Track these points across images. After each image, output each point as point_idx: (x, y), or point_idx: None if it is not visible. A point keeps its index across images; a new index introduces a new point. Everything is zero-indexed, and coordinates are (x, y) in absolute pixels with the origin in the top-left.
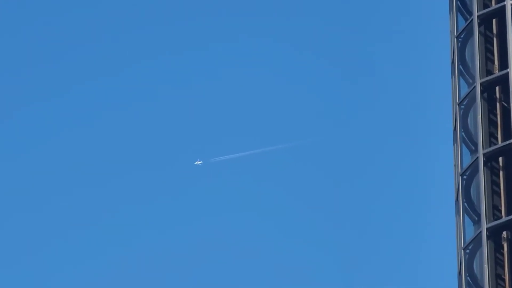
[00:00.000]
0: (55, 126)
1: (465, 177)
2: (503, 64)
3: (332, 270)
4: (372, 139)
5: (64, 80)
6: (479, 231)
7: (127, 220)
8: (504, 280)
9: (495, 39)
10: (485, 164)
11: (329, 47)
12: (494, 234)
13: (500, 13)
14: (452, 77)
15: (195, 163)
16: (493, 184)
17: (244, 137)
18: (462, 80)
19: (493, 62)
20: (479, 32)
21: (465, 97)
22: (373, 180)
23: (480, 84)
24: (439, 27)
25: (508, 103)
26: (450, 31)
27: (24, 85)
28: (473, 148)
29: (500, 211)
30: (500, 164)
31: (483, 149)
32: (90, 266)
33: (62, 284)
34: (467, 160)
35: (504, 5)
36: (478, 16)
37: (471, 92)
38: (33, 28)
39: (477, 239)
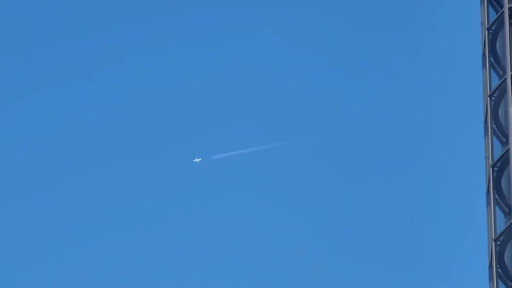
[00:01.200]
0: (53, 122)
1: (496, 168)
2: None
3: (353, 269)
4: (403, 130)
5: (60, 75)
6: (510, 222)
7: (123, 217)
8: None
9: None
10: None
11: (349, 42)
12: None
13: None
14: (483, 69)
15: (194, 160)
16: None
17: (244, 134)
18: (493, 72)
19: None
20: (510, 24)
21: (496, 89)
22: (403, 173)
23: (511, 76)
24: (470, 19)
25: None
26: (481, 23)
27: (17, 80)
28: (504, 139)
29: None
30: None
31: None
32: (88, 263)
33: (57, 280)
34: (498, 152)
35: None
36: (509, 8)
37: (502, 84)
38: (21, 24)
39: (508, 230)
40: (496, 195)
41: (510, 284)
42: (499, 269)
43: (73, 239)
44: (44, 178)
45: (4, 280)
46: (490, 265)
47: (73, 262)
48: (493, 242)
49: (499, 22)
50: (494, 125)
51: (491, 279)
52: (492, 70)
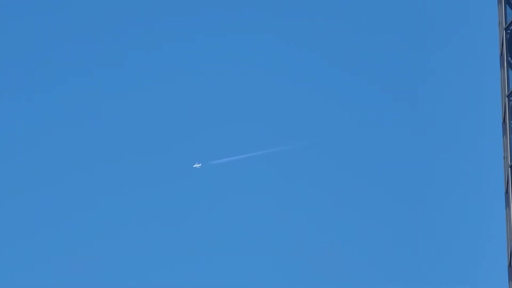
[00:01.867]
0: (52, 122)
1: None
2: None
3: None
4: (423, 133)
5: (60, 75)
6: None
7: (124, 216)
8: None
9: None
10: None
11: (352, 42)
12: None
13: None
14: (500, 69)
15: (194, 166)
16: None
17: (245, 137)
18: (510, 72)
19: None
20: None
21: None
22: (417, 174)
23: None
24: (487, 19)
25: None
26: (499, 23)
27: (17, 80)
28: None
29: None
30: None
31: None
32: (88, 262)
33: (57, 279)
34: None
35: None
36: None
37: None
38: (21, 24)
39: None
40: None
41: None
42: None
43: (73, 239)
44: (44, 177)
45: (2, 279)
46: (510, 265)
47: (72, 262)
48: None
49: None
50: None
51: (510, 279)
52: (510, 70)
